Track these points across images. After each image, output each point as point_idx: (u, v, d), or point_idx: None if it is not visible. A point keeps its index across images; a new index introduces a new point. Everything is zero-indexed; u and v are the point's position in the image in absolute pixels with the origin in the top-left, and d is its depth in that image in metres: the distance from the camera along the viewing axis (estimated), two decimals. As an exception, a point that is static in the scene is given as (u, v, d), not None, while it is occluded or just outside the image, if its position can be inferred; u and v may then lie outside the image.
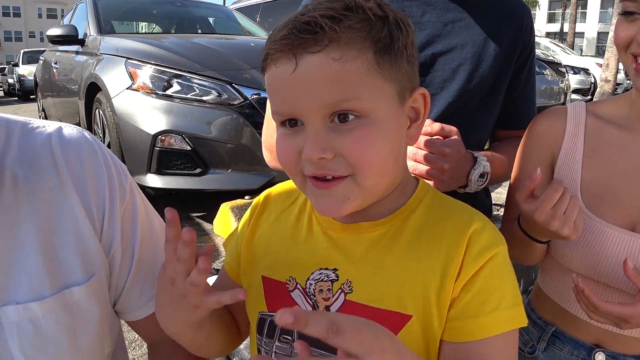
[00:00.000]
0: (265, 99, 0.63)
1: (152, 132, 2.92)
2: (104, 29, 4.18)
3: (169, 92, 3.02)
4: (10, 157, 0.67)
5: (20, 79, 17.23)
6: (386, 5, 0.59)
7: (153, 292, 0.76)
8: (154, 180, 2.96)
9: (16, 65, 19.34)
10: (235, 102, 3.01)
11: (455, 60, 1.02)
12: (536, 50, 1.17)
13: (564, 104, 5.75)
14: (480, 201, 1.11)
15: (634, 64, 0.79)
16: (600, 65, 11.33)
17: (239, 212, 2.79)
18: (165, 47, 3.39)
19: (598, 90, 11.08)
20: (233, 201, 2.89)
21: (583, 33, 39.83)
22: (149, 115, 2.98)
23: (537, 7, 40.36)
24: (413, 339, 0.60)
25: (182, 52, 3.28)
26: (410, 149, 0.89)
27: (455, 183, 0.93)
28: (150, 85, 3.04)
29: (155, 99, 3.00)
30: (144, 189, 2.90)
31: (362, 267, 0.63)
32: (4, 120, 0.69)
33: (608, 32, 12.97)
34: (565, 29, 29.97)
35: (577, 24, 29.29)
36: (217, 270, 2.07)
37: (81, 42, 4.18)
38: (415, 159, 0.89)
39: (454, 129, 0.91)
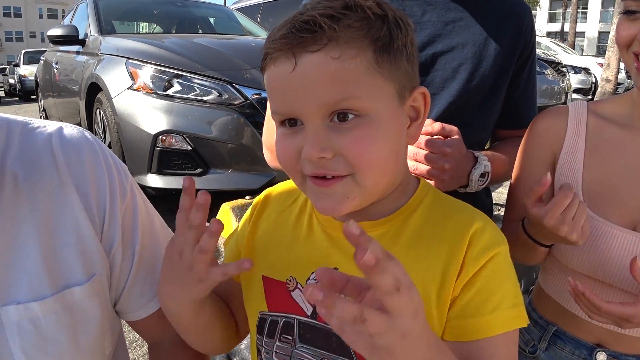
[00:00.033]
0: (265, 99, 0.63)
1: (153, 132, 2.92)
2: (105, 29, 4.18)
3: (169, 92, 3.02)
4: (11, 157, 0.67)
5: (21, 79, 17.25)
6: (385, 4, 0.59)
7: (154, 292, 0.76)
8: (154, 180, 2.96)
9: (17, 65, 19.36)
10: (236, 102, 3.01)
11: (455, 60, 1.02)
12: (537, 49, 1.17)
13: (564, 103, 5.75)
14: (481, 201, 1.11)
15: (636, 62, 0.79)
16: (601, 65, 11.32)
17: (239, 212, 2.79)
18: (166, 47, 3.39)
19: (599, 90, 11.08)
20: (234, 201, 2.89)
21: (584, 33, 39.80)
22: (150, 115, 2.98)
23: (538, 6, 40.32)
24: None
25: (182, 52, 3.28)
26: (411, 149, 0.89)
27: (456, 183, 0.93)
28: (151, 85, 3.04)
29: (155, 99, 3.00)
30: (145, 189, 2.90)
31: None
32: (4, 120, 0.69)
33: (609, 32, 12.95)
34: (566, 29, 29.93)
35: (578, 23, 29.26)
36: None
37: (82, 43, 4.19)
38: (416, 158, 0.89)
39: (454, 128, 0.91)
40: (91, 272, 0.70)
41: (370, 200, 0.61)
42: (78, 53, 4.30)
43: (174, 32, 4.91)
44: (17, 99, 18.06)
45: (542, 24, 42.13)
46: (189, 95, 3.01)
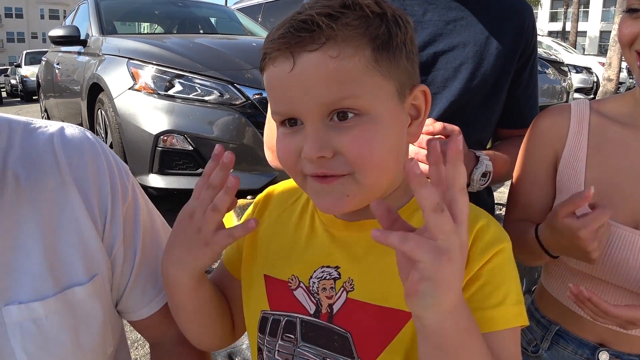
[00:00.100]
0: (267, 99, 0.64)
1: (154, 132, 2.93)
2: (106, 29, 4.19)
3: (170, 92, 3.02)
4: (13, 157, 0.67)
5: (23, 80, 17.30)
6: (384, 2, 0.59)
7: (155, 292, 0.77)
8: (156, 181, 2.97)
9: (19, 66, 19.42)
10: (237, 102, 3.01)
11: (457, 59, 1.02)
12: (538, 49, 1.16)
13: (566, 102, 5.73)
14: (483, 200, 1.11)
15: (638, 61, 0.79)
16: (603, 64, 11.31)
17: (241, 212, 2.79)
18: (167, 47, 3.40)
19: (600, 89, 11.07)
20: (235, 201, 2.89)
21: (585, 32, 39.75)
22: (151, 116, 2.98)
23: (539, 5, 40.28)
24: (415, 336, 0.59)
25: (184, 52, 3.29)
26: (412, 149, 0.89)
27: (458, 182, 0.93)
28: (152, 86, 3.04)
29: (157, 99, 3.01)
30: (146, 189, 2.90)
31: (364, 265, 0.63)
32: (6, 120, 0.69)
33: (610, 31, 12.94)
34: (568, 28, 29.92)
35: (579, 22, 29.21)
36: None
37: (83, 43, 4.19)
38: (417, 158, 0.89)
39: (456, 128, 0.90)
40: (93, 272, 0.70)
41: (371, 199, 0.61)
42: (79, 53, 4.31)
43: (175, 32, 4.91)
44: (19, 99, 18.11)
45: (543, 23, 42.09)
46: (190, 96, 3.01)
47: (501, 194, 3.42)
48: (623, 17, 0.81)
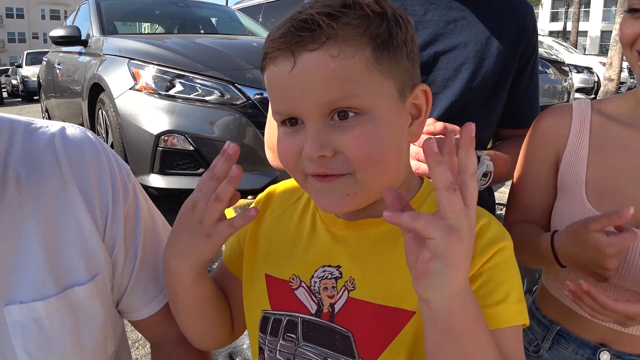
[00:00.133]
0: (267, 99, 0.64)
1: (155, 132, 2.93)
2: (107, 29, 4.19)
3: (171, 92, 3.02)
4: (14, 157, 0.67)
5: (24, 80, 17.30)
6: (384, 2, 0.59)
7: (156, 292, 0.77)
8: (156, 181, 2.97)
9: (20, 66, 19.43)
10: (238, 102, 3.01)
11: (458, 59, 1.02)
12: (539, 49, 1.16)
13: (567, 102, 5.71)
14: (484, 200, 1.10)
15: (639, 61, 0.79)
16: (604, 64, 11.30)
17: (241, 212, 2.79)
18: (168, 47, 3.40)
19: (601, 89, 11.06)
20: (236, 201, 2.89)
21: (586, 32, 39.72)
22: (152, 116, 2.98)
23: (540, 5, 40.22)
24: (417, 336, 0.59)
25: (184, 52, 3.29)
26: (413, 149, 0.89)
27: (459, 182, 0.93)
28: (153, 86, 3.05)
29: (158, 99, 3.01)
30: (147, 189, 2.91)
31: (365, 265, 0.63)
32: (7, 121, 0.69)
33: (611, 31, 12.94)
34: (569, 28, 29.89)
35: (580, 22, 29.19)
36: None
37: (84, 43, 4.20)
38: (418, 158, 0.89)
39: (457, 128, 0.90)
40: (94, 271, 0.70)
41: (372, 198, 0.61)
42: (80, 54, 4.31)
43: (176, 32, 4.91)
44: (20, 99, 18.12)
45: (544, 23, 42.06)
46: (191, 96, 3.01)
47: (502, 194, 3.41)
48: (624, 17, 0.81)
